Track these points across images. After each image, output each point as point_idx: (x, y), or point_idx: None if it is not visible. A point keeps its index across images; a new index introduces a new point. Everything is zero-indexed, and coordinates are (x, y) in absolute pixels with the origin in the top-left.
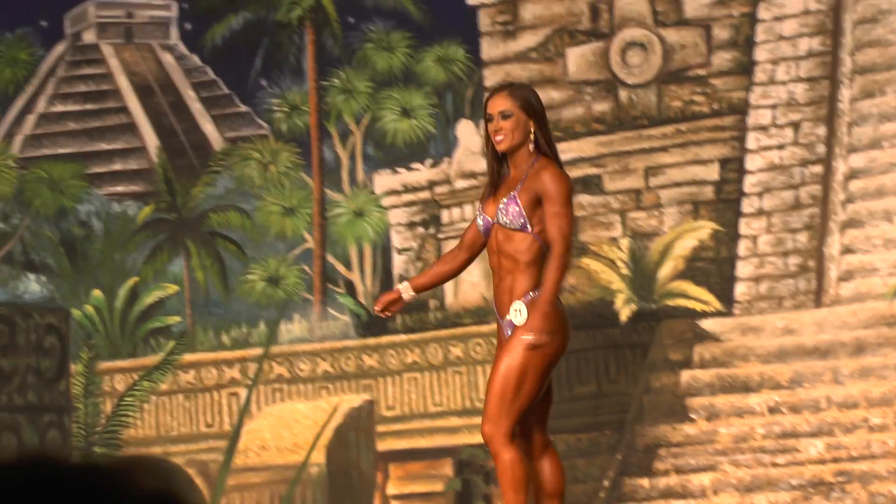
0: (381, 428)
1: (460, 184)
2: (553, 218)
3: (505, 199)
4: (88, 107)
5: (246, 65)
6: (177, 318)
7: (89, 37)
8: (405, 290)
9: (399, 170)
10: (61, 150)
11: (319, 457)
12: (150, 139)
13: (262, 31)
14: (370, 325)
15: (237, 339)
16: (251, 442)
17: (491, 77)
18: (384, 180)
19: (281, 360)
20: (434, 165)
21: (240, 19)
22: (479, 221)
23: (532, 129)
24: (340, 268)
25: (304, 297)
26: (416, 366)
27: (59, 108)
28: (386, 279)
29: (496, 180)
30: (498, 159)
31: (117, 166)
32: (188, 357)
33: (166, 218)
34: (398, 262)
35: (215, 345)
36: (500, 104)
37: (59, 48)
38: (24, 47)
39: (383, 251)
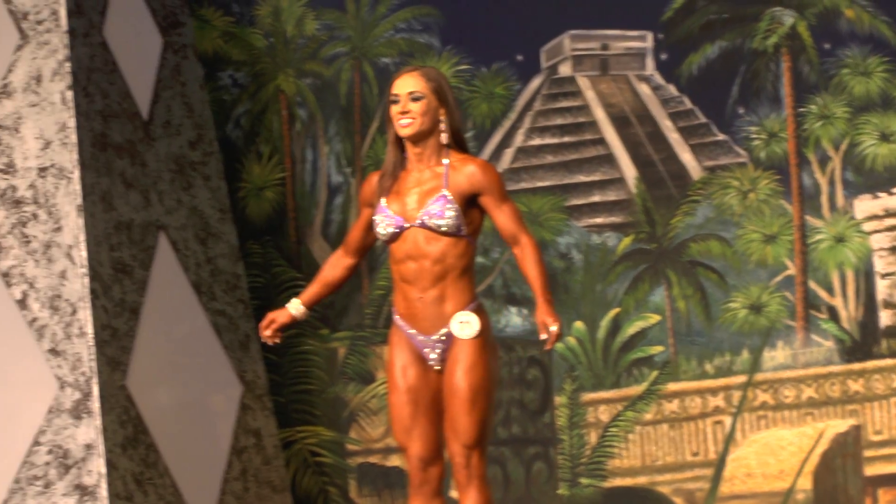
0: (868, 453)
1: None
2: (503, 210)
3: (432, 199)
4: (566, 139)
5: (722, 93)
6: (660, 348)
7: (565, 69)
8: (295, 308)
9: (880, 194)
10: (540, 184)
11: (806, 483)
12: (629, 170)
13: (739, 60)
14: (855, 350)
15: (720, 367)
16: (737, 470)
17: None
18: (865, 205)
19: (765, 388)
20: None
21: (715, 48)
22: (384, 223)
23: (442, 118)
24: (823, 294)
25: (786, 323)
26: None
27: (537, 141)
28: (869, 304)
29: (395, 172)
30: (399, 150)
31: (596, 198)
32: (672, 386)
33: (646, 248)
34: (881, 287)
35: (698, 373)
36: (409, 84)
37: (536, 82)
38: (499, 82)
39: (866, 276)
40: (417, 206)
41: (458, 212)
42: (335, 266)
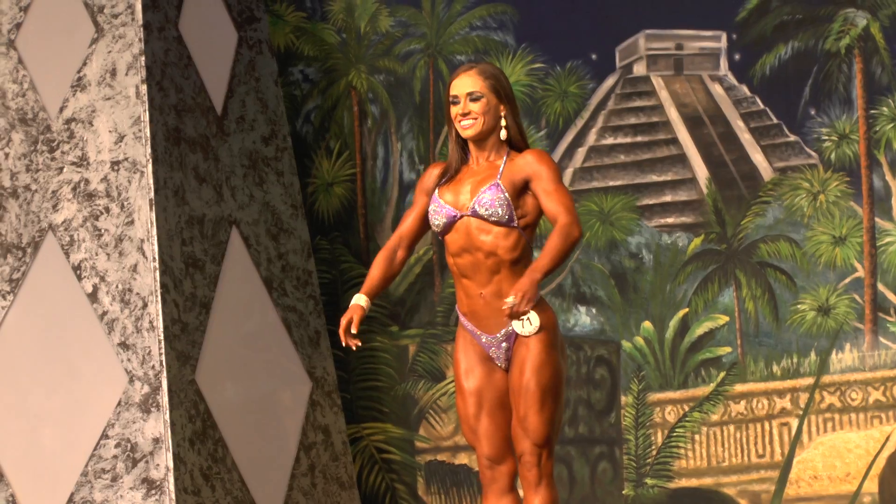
0: None
1: None
2: (552, 194)
3: (484, 188)
4: (639, 139)
5: (794, 94)
6: (727, 349)
7: (639, 69)
8: (364, 301)
9: None
10: (611, 183)
11: (872, 486)
12: (700, 170)
13: (811, 61)
14: None
15: (788, 368)
16: (803, 472)
17: None
18: None
19: (832, 390)
20: None
21: (788, 49)
22: (437, 213)
23: (502, 115)
24: (891, 296)
25: (854, 326)
26: None
27: (610, 140)
28: None
29: (456, 170)
30: (461, 148)
31: (667, 198)
32: (739, 387)
33: (716, 249)
34: None
35: (766, 375)
36: (467, 84)
37: (610, 81)
38: (573, 80)
39: None
40: (470, 196)
41: (508, 201)
42: (392, 261)
